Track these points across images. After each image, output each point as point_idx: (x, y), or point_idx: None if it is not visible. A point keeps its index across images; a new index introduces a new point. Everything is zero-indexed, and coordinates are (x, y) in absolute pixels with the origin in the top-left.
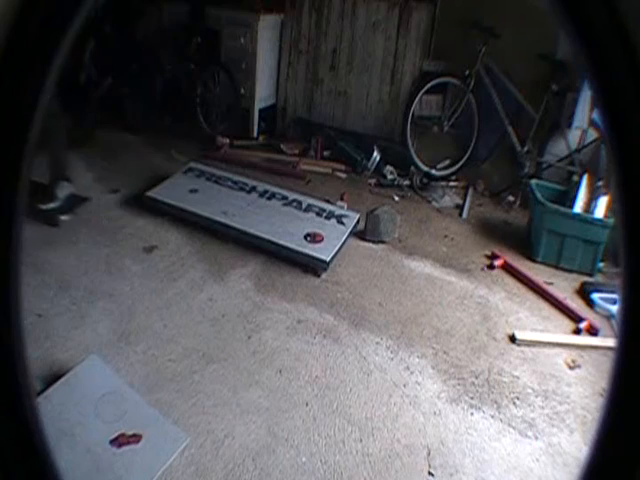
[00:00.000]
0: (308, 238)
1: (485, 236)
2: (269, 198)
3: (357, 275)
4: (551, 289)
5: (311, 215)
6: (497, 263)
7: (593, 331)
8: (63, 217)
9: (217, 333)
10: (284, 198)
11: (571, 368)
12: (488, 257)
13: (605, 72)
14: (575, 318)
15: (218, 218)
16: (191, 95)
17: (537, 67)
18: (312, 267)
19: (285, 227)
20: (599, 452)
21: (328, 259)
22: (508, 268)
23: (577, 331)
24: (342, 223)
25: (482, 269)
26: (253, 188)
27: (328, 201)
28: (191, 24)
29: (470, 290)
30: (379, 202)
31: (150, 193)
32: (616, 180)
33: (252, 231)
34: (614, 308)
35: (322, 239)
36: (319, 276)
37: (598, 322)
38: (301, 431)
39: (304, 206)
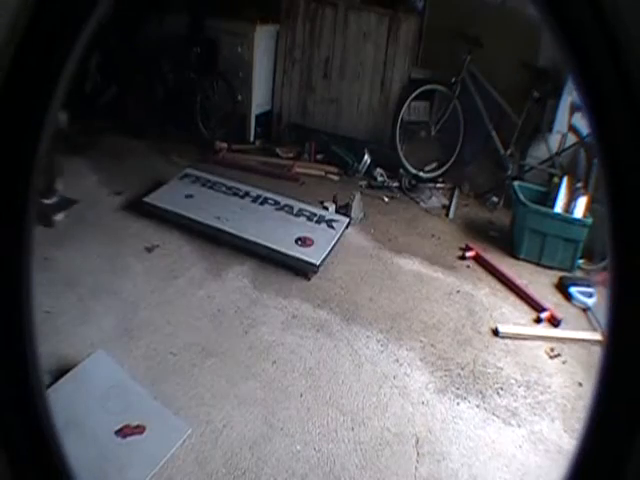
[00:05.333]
0: (299, 242)
1: (470, 235)
2: (262, 203)
3: (349, 272)
4: (515, 277)
5: (302, 219)
6: (469, 254)
7: (555, 322)
8: (58, 217)
9: (216, 328)
10: (276, 203)
11: (551, 357)
12: (462, 249)
13: (592, 76)
14: (537, 308)
15: (212, 223)
16: (191, 102)
17: (519, 75)
18: (302, 270)
19: (277, 231)
20: (587, 444)
21: (318, 262)
22: (480, 261)
23: (538, 320)
24: (332, 227)
25: (457, 259)
26: (246, 193)
27: (321, 202)
28: (191, 35)
29: (456, 286)
30: (370, 203)
31: (147, 199)
32: (605, 183)
33: (245, 235)
34: (590, 301)
35: (312, 243)
36: (309, 279)
37: (574, 313)
38: (296, 421)
39: (295, 211)
